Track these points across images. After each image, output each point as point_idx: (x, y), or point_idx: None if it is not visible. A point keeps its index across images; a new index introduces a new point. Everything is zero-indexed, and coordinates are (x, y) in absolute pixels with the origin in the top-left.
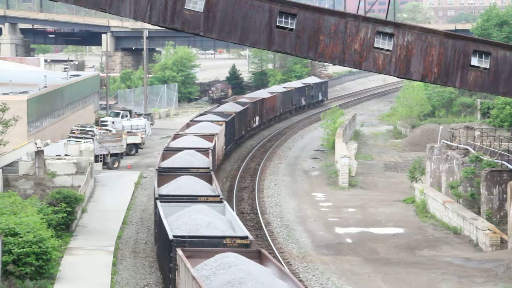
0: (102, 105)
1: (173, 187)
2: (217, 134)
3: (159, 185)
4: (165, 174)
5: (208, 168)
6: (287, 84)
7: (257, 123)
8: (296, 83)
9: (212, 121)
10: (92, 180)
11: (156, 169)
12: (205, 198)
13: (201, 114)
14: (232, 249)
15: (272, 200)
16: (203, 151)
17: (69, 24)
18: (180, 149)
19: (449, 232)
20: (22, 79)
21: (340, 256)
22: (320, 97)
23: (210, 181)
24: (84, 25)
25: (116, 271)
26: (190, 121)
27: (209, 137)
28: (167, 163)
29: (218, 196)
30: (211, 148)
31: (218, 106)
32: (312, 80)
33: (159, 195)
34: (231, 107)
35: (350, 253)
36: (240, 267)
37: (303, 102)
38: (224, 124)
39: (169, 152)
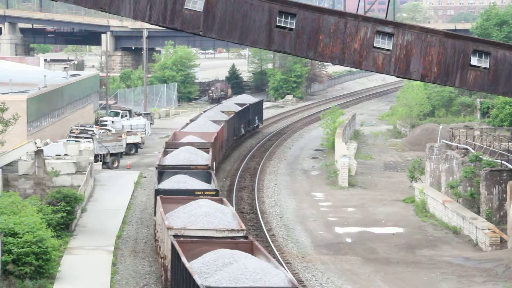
0: (102, 104)
1: None
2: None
3: None
4: None
5: None
6: (223, 107)
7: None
8: (231, 105)
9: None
10: (91, 180)
11: None
12: None
13: (157, 167)
14: None
15: (272, 199)
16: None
17: (69, 24)
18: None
19: (448, 232)
20: (21, 78)
21: (340, 255)
22: (256, 122)
23: None
24: (83, 25)
25: (116, 270)
26: (156, 191)
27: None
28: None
29: None
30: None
31: (166, 153)
32: (247, 99)
33: None
34: (195, 155)
35: (349, 253)
36: None
37: (243, 131)
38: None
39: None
